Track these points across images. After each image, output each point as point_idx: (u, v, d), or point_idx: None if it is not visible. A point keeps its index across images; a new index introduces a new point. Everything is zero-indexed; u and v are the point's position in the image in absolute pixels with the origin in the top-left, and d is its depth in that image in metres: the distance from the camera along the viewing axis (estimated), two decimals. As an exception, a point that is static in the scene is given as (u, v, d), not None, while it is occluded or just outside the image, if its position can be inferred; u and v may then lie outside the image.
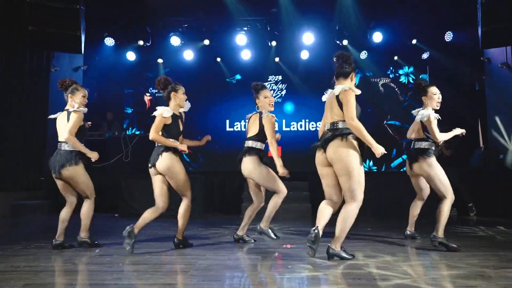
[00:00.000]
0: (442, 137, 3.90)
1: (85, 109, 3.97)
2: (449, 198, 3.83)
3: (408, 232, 4.43)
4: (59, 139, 3.95)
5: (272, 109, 4.12)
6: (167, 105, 3.95)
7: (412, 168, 4.07)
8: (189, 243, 4.05)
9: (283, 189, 4.06)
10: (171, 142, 3.79)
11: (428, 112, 3.90)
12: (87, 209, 3.96)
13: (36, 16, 7.02)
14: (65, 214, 3.94)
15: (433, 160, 3.92)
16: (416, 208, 4.39)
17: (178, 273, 3.05)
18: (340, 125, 3.33)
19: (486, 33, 7.07)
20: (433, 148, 3.97)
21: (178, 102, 3.96)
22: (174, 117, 3.88)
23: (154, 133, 3.76)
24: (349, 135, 3.30)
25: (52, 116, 4.14)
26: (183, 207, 3.90)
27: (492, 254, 3.55)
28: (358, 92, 3.33)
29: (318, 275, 2.95)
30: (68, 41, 7.35)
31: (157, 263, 3.33)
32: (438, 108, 3.96)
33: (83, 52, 7.70)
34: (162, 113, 3.82)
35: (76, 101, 3.94)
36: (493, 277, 2.78)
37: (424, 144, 3.98)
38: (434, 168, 3.87)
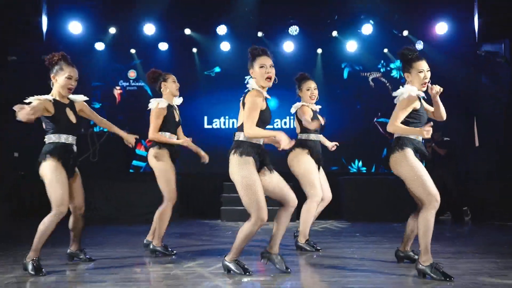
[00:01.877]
0: (396, 128, 3.21)
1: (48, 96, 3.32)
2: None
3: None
4: None
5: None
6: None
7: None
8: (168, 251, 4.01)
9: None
10: (174, 140, 3.97)
11: (408, 89, 3.23)
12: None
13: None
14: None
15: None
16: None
17: (152, 282, 3.03)
18: None
19: (484, 25, 7.21)
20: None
21: (170, 91, 4.08)
22: (169, 107, 4.01)
23: (154, 133, 3.91)
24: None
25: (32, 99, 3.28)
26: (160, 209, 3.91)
27: (488, 262, 3.64)
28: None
29: (301, 284, 2.97)
30: (28, 28, 7.18)
31: (129, 272, 3.29)
32: (423, 91, 3.28)
33: (44, 40, 7.55)
34: (159, 103, 3.94)
35: (56, 84, 3.34)
36: (487, 285, 2.85)
37: None
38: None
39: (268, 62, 3.17)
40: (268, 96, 3.27)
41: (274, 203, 3.27)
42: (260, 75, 3.15)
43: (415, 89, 3.21)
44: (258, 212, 2.98)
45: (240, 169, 3.03)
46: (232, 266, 3.16)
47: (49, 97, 3.32)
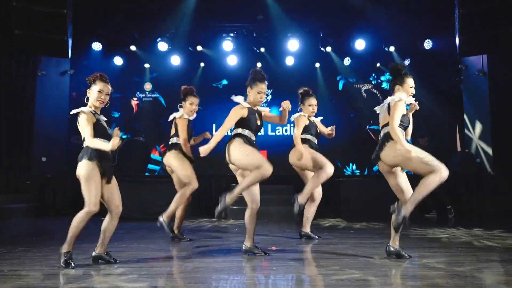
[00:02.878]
0: (395, 135, 3.21)
1: (88, 108, 3.30)
2: None
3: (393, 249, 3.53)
4: None
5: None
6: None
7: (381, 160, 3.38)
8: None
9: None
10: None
11: (400, 95, 3.32)
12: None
13: (23, 20, 6.91)
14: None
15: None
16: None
17: (163, 276, 3.02)
18: None
19: (464, 41, 7.23)
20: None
21: (186, 111, 4.53)
22: (188, 120, 4.53)
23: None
24: None
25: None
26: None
27: (470, 255, 3.62)
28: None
29: (302, 277, 2.96)
30: (55, 46, 7.24)
31: (144, 266, 3.30)
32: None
33: (70, 56, 7.61)
34: (183, 115, 4.46)
35: (90, 97, 3.34)
36: (469, 277, 2.83)
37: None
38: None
39: (264, 90, 3.71)
40: (263, 109, 3.85)
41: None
42: (255, 98, 3.69)
43: (404, 95, 3.35)
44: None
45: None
46: (253, 249, 3.60)
47: (90, 109, 3.32)
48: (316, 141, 4.61)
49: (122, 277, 2.91)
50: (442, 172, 3.12)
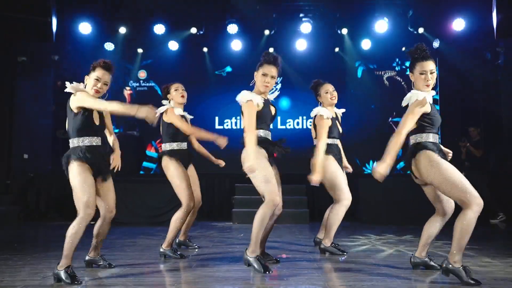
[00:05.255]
0: (398, 139, 3.09)
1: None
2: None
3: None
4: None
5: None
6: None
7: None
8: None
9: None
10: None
11: (414, 93, 3.18)
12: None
13: (0, -1, 6.91)
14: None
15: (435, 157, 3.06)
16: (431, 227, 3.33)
17: (163, 287, 3.02)
18: None
19: (502, 20, 7.09)
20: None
21: (175, 100, 4.30)
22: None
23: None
24: None
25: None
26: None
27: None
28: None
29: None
30: (37, 28, 7.24)
31: (141, 275, 3.30)
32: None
33: (54, 41, 7.60)
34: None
35: (87, 85, 3.29)
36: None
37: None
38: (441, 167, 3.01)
39: (271, 73, 3.47)
40: (270, 98, 3.65)
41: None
42: (260, 82, 3.49)
43: (421, 93, 3.12)
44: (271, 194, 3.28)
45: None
46: (254, 262, 3.31)
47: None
48: (340, 145, 4.31)
49: (116, 287, 2.91)
50: (479, 202, 2.88)
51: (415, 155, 3.11)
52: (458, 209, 3.00)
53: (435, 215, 3.29)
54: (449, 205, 3.23)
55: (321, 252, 4.19)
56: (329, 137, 4.13)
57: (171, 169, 4.07)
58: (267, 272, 3.24)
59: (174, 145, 4.18)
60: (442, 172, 2.96)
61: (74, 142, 3.18)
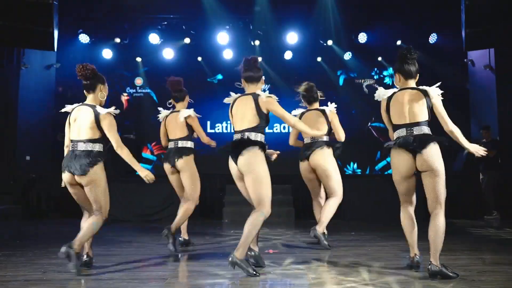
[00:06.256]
0: (455, 130, 3.19)
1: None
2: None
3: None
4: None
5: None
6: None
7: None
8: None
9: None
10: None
11: (432, 88, 3.28)
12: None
13: (5, 10, 6.81)
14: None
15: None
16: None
17: (156, 281, 3.00)
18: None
19: (470, 35, 7.23)
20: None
21: (184, 104, 4.58)
22: None
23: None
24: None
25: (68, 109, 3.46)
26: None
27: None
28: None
29: (303, 283, 2.94)
30: (40, 38, 7.16)
31: (134, 270, 3.27)
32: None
33: (56, 49, 7.53)
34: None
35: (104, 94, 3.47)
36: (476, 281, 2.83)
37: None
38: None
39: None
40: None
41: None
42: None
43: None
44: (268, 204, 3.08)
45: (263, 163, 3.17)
46: (242, 264, 3.00)
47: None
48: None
49: (110, 282, 2.88)
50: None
51: (427, 144, 3.02)
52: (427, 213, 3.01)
53: (405, 208, 3.22)
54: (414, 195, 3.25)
55: (311, 235, 4.21)
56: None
57: (193, 166, 4.33)
58: (255, 274, 3.01)
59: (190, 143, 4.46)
60: (442, 167, 3.02)
61: None
